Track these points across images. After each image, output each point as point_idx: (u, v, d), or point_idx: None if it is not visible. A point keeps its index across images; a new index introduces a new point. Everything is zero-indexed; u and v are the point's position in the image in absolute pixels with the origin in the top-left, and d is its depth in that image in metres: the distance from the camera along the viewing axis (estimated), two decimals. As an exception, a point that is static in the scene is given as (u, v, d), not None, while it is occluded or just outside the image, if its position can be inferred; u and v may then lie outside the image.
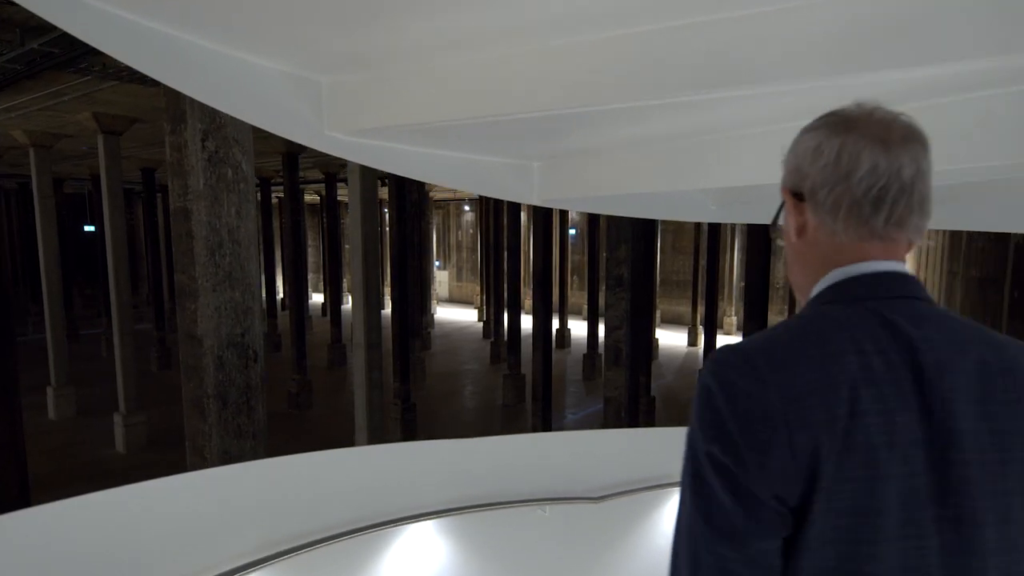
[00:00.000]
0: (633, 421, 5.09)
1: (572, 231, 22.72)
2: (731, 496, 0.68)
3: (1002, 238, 10.75)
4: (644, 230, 5.02)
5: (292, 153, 11.80)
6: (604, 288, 17.90)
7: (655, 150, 2.03)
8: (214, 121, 2.40)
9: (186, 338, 2.50)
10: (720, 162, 1.90)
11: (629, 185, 2.10)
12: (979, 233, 11.89)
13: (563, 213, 17.00)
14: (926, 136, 0.78)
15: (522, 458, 2.52)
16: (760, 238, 7.19)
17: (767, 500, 0.67)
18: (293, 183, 11.88)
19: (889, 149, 0.74)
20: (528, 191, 2.37)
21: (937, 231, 14.44)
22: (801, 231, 0.82)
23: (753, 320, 6.28)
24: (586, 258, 22.43)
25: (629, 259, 4.93)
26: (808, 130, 0.81)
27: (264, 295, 18.97)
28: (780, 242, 0.90)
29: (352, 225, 6.46)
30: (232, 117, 2.49)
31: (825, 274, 0.79)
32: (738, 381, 0.70)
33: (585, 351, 14.05)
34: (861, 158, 0.74)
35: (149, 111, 9.14)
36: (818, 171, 0.77)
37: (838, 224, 0.77)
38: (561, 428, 9.78)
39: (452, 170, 2.14)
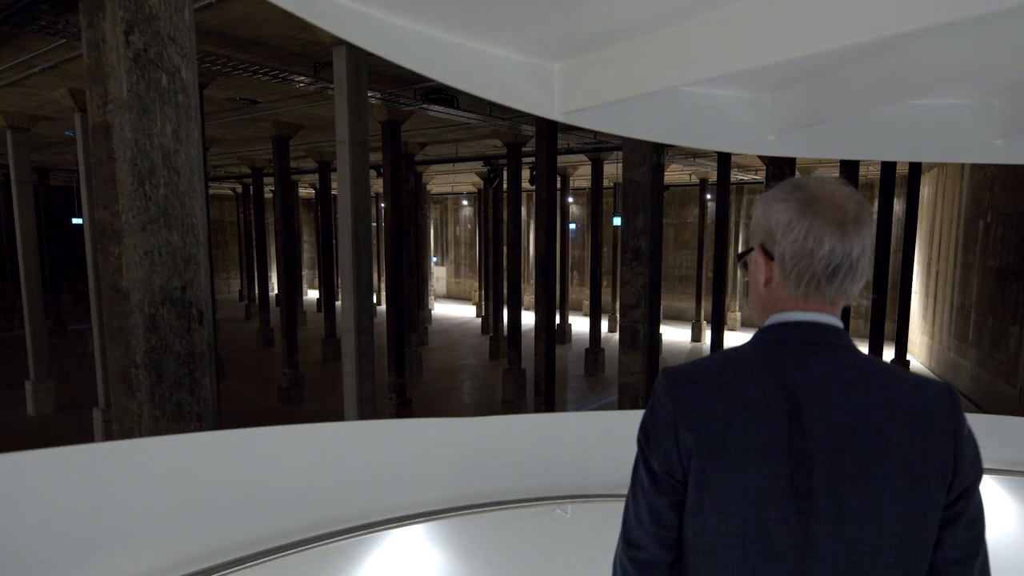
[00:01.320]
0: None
1: (572, 226, 22.22)
2: (644, 467, 1.05)
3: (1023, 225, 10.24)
4: (660, 198, 4.52)
5: (282, 136, 11.28)
6: (616, 270, 17.25)
7: (699, 24, 1.53)
8: (142, 10, 1.85)
9: (110, 292, 1.97)
10: (779, 28, 1.42)
11: (668, 76, 1.60)
12: (998, 221, 11.40)
13: (564, 206, 16.49)
14: (872, 212, 1.01)
15: (536, 443, 2.02)
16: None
17: (660, 473, 1.03)
18: (283, 168, 11.35)
19: (845, 234, 0.97)
20: (548, 101, 1.87)
21: (951, 222, 13.94)
22: (768, 282, 1.05)
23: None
24: (588, 253, 21.97)
25: (648, 229, 4.41)
26: (779, 200, 1.01)
27: (257, 290, 18.45)
28: (746, 278, 1.14)
29: (341, 200, 5.95)
30: (166, 8, 1.98)
31: (771, 315, 1.05)
32: (660, 393, 1.05)
33: (587, 345, 13.54)
34: (823, 241, 0.97)
35: (129, 88, 8.66)
36: (788, 244, 1.00)
37: (799, 289, 1.01)
38: (565, 424, 9.26)
39: (453, 62, 1.64)
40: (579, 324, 17.62)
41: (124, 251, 1.89)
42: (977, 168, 12.24)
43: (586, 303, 21.28)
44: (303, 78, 7.15)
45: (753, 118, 2.21)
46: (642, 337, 4.52)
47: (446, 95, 8.96)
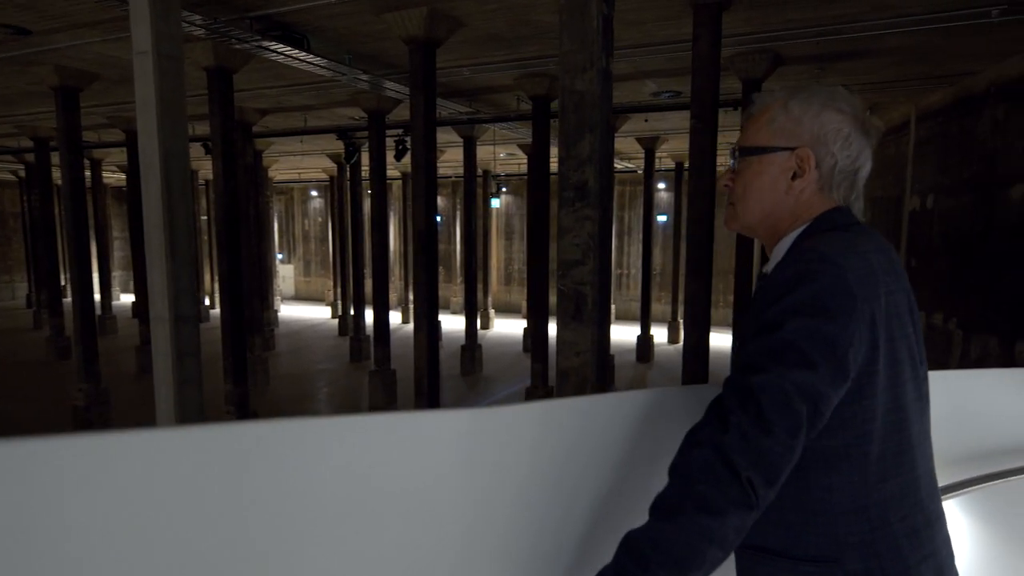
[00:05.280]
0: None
1: (438, 218, 20.85)
2: (833, 356, 0.90)
3: (894, 206, 10.69)
4: (609, 117, 3.40)
5: (69, 88, 8.74)
6: (489, 262, 16.02)
7: None
8: None
9: None
10: None
11: None
12: (867, 202, 11.93)
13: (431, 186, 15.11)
14: None
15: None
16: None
17: (852, 358, 0.92)
18: (71, 128, 8.83)
19: (871, 160, 1.07)
20: None
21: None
22: (804, 186, 1.05)
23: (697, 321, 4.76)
24: (455, 247, 20.72)
25: (596, 157, 3.28)
26: (833, 109, 1.03)
27: (46, 293, 14.86)
28: (727, 181, 1.13)
29: (143, 135, 4.18)
30: None
31: (804, 215, 1.06)
32: (829, 268, 0.93)
33: (463, 342, 12.28)
34: (867, 163, 1.06)
35: None
36: (843, 158, 1.03)
37: (838, 195, 1.06)
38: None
39: None
40: (447, 323, 16.28)
41: None
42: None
43: (454, 300, 20.02)
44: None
45: None
46: (590, 304, 3.36)
47: (295, 34, 7.25)
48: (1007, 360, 6.33)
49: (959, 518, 1.79)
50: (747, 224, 1.11)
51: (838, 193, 1.04)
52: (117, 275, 22.38)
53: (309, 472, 0.85)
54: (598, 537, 1.16)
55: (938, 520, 1.04)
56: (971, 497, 1.81)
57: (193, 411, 4.43)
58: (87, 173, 17.03)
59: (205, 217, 20.93)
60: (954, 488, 1.62)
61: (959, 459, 1.74)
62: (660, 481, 0.97)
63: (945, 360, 7.60)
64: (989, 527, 1.91)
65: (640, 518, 0.95)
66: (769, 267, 1.06)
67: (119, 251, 23.22)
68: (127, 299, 21.03)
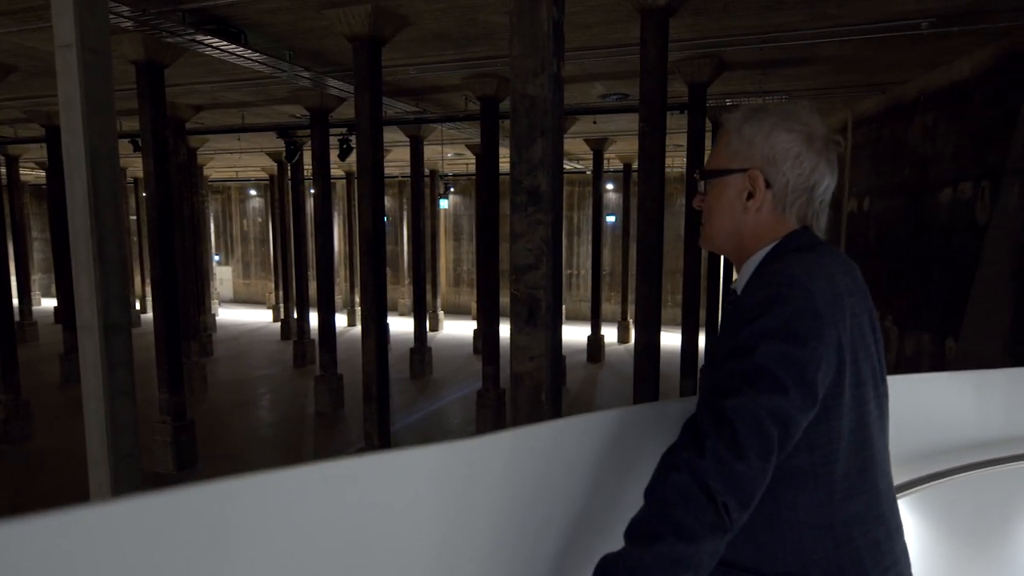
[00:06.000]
0: (558, 405, 3.43)
1: (385, 219, 20.48)
2: (801, 379, 0.93)
3: (833, 208, 11.11)
4: (560, 122, 3.36)
5: (-17, 78, 8.12)
6: (437, 264, 15.88)
7: None
8: None
9: None
10: None
11: None
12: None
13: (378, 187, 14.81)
14: None
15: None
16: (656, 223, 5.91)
17: (821, 380, 0.95)
18: (-13, 121, 8.19)
19: (834, 175, 1.08)
20: None
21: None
22: (759, 208, 1.08)
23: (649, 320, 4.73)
24: (402, 247, 20.41)
25: (548, 162, 3.24)
26: (783, 128, 1.05)
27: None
28: (700, 203, 1.16)
29: (68, 132, 3.89)
30: None
31: (768, 235, 1.08)
32: (798, 292, 0.96)
33: (413, 345, 12.09)
34: (824, 180, 1.07)
35: None
36: (795, 176, 1.06)
37: (792, 213, 1.08)
38: (394, 434, 7.77)
39: None
40: (395, 325, 16.01)
41: None
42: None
43: (402, 302, 19.74)
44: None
45: None
46: (544, 308, 3.33)
47: (231, 28, 6.94)
48: (938, 354, 6.67)
49: (904, 518, 1.84)
50: (715, 244, 1.15)
51: (791, 211, 1.07)
52: (37, 278, 21.02)
53: (277, 526, 0.84)
54: (572, 561, 1.18)
55: (898, 531, 1.10)
56: (915, 497, 1.86)
57: (126, 424, 4.14)
58: (2, 170, 15.93)
59: (135, 217, 19.91)
60: (897, 490, 1.67)
61: (902, 461, 1.79)
62: (631, 500, 0.99)
63: (879, 356, 7.96)
64: (932, 526, 1.97)
65: (613, 538, 0.97)
66: (738, 285, 1.10)
67: (39, 252, 21.84)
68: (48, 304, 19.72)
